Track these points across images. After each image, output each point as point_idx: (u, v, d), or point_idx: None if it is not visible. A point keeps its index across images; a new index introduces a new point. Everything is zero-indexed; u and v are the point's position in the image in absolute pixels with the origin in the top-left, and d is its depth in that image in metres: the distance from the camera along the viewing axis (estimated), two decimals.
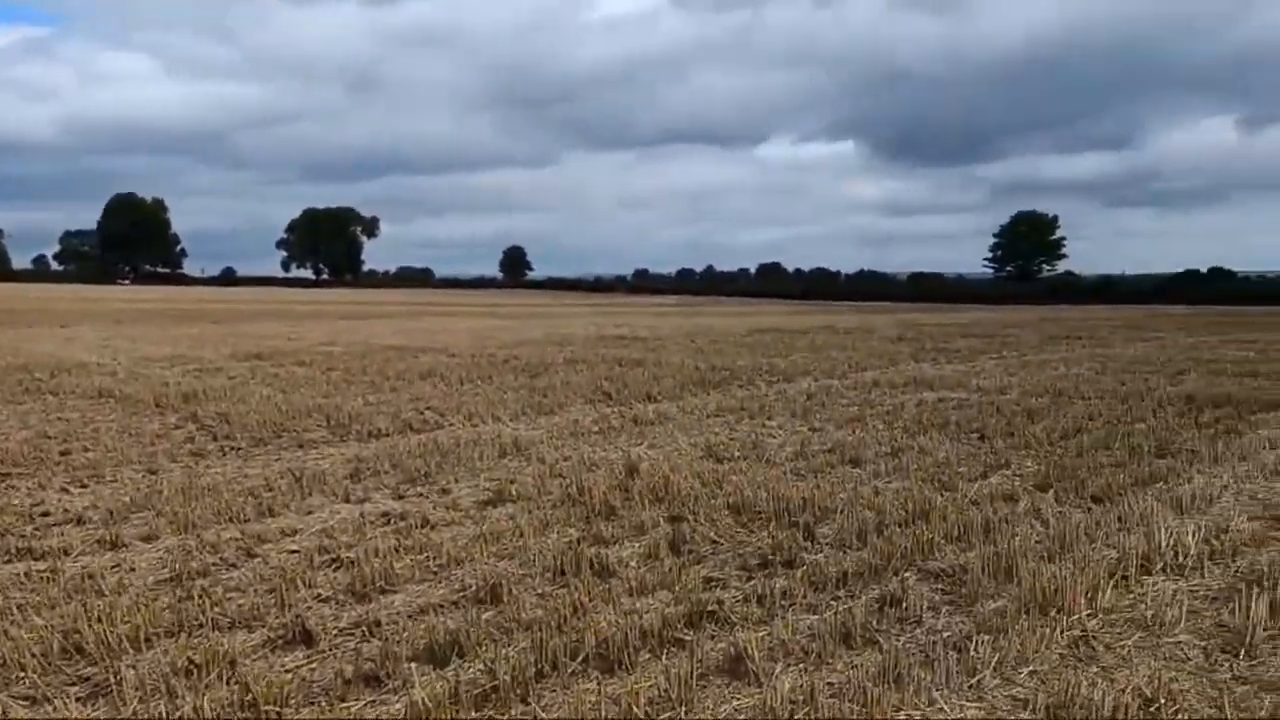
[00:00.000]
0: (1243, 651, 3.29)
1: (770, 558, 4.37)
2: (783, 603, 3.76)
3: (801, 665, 3.18)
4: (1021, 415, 8.75)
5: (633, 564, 4.31)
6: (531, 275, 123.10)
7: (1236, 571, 4.17)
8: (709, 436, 7.77)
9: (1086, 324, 27.35)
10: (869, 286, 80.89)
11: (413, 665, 3.18)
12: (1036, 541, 4.59)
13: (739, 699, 2.96)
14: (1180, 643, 3.42)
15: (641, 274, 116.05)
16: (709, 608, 3.66)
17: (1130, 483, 5.88)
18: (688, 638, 3.41)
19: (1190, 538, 4.50)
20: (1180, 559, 4.29)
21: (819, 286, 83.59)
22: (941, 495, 5.59)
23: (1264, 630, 3.42)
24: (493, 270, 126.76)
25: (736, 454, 6.98)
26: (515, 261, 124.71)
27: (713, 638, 3.43)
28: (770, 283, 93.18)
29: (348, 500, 5.61)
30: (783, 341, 20.12)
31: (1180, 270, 74.95)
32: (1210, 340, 20.02)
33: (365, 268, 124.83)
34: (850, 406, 9.57)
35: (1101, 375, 12.52)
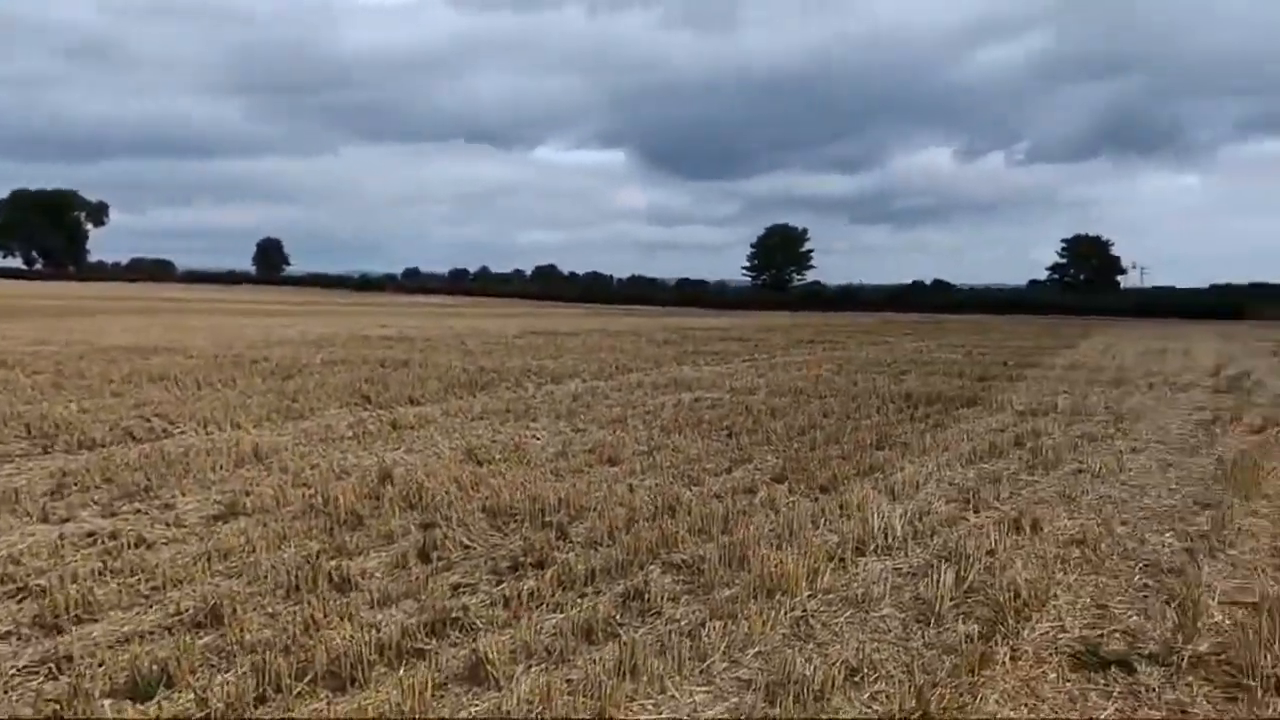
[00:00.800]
0: (932, 620, 3.72)
1: (522, 560, 4.36)
2: (530, 604, 3.76)
3: (543, 665, 3.20)
4: (766, 413, 9.40)
5: (377, 575, 4.13)
6: (291, 271, 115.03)
7: (934, 549, 4.71)
8: (471, 439, 7.64)
9: (829, 330, 29.94)
10: (640, 291, 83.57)
11: (107, 702, 2.84)
12: (770, 530, 4.93)
13: (476, 705, 2.92)
14: (884, 616, 3.80)
15: (413, 273, 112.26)
16: (453, 615, 3.59)
17: (853, 473, 6.50)
18: (429, 647, 3.31)
19: (898, 521, 5.04)
20: (889, 541, 4.78)
21: (594, 290, 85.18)
22: (690, 490, 5.86)
23: (950, 600, 3.89)
24: (246, 265, 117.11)
25: (498, 456, 6.92)
26: (271, 256, 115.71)
27: (455, 645, 3.36)
28: (546, 285, 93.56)
29: (45, 520, 4.92)
30: (554, 344, 20.26)
31: (910, 282, 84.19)
32: (930, 345, 22.63)
33: (92, 259, 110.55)
34: (614, 407, 9.80)
35: (837, 376, 13.75)
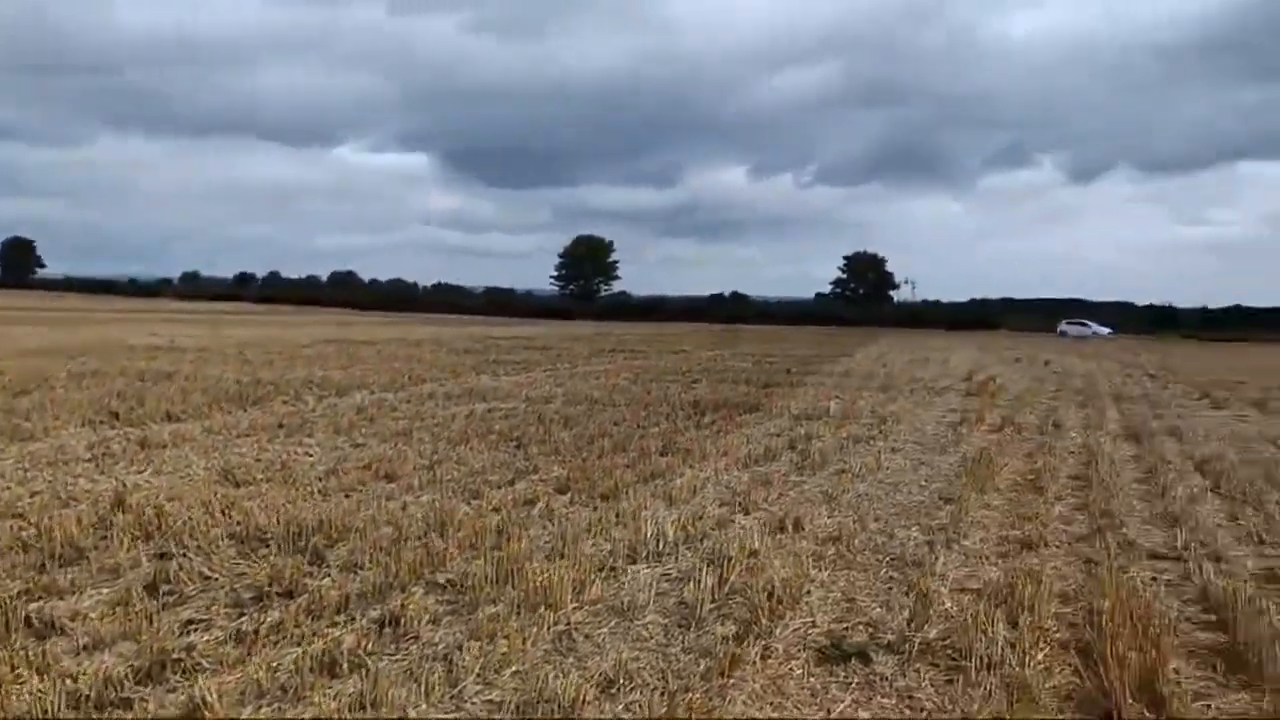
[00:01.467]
0: (693, 624, 3.78)
1: (268, 590, 4.01)
2: (269, 638, 3.44)
3: (274, 705, 2.92)
4: (559, 423, 9.36)
5: (92, 616, 3.64)
6: (45, 274, 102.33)
7: (702, 553, 4.81)
8: (231, 458, 7.02)
9: (632, 339, 30.54)
10: (447, 299, 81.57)
11: None
12: (545, 542, 4.86)
13: None
14: (648, 623, 3.82)
15: (191, 277, 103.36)
16: (175, 655, 3.21)
17: (636, 480, 6.57)
18: (139, 695, 2.94)
19: (671, 527, 5.12)
20: (661, 547, 4.84)
21: (396, 298, 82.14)
22: (468, 505, 5.68)
23: (711, 603, 3.98)
24: None
25: (259, 476, 6.39)
26: (18, 256, 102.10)
27: (172, 690, 3.00)
28: (344, 292, 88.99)
29: None
30: (347, 353, 19.27)
31: (711, 294, 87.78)
32: (724, 354, 23.60)
33: None
34: (401, 420, 9.39)
35: (634, 384, 13.99)
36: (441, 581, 4.18)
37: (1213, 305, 68.80)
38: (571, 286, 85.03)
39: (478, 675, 3.20)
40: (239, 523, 5.02)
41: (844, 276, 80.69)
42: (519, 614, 3.76)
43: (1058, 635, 3.70)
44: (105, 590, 3.95)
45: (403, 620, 3.66)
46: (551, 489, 6.26)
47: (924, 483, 6.97)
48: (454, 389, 12.54)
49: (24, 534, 4.66)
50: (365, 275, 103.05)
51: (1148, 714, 3.01)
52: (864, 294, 78.14)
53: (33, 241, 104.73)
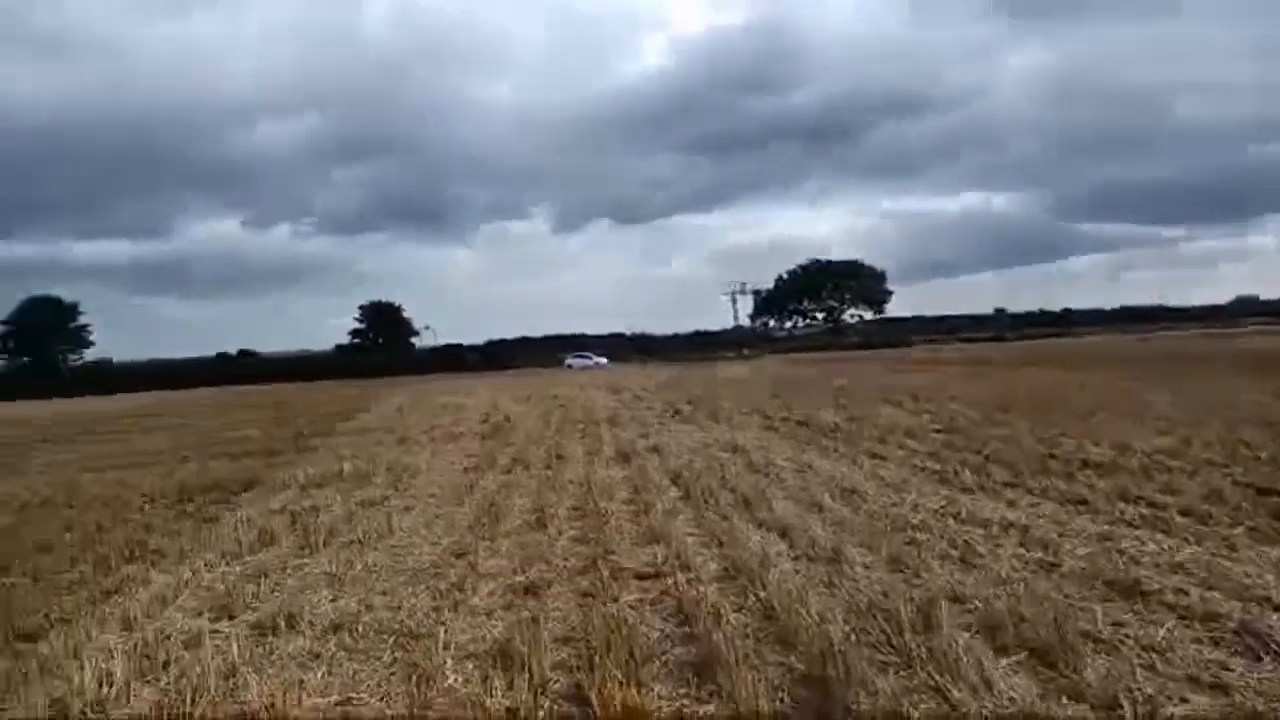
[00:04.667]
0: None
1: None
2: None
3: None
4: None
5: None
6: None
7: (165, 685, 3.94)
8: None
9: (108, 417, 25.91)
10: None
11: None
12: None
13: None
14: None
15: None
16: None
17: (82, 604, 5.27)
18: None
19: (122, 661, 4.12)
20: (106, 693, 3.85)
21: None
22: None
23: None
24: None
25: None
26: None
27: None
28: None
29: None
30: None
31: (215, 354, 79.13)
32: (228, 420, 21.16)
33: None
34: None
35: (103, 475, 11.65)
36: None
37: (681, 331, 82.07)
38: (25, 359, 69.89)
39: None
40: None
41: (362, 326, 79.04)
42: None
43: (557, 687, 3.69)
44: None
45: None
46: None
47: (437, 539, 6.77)
48: None
49: None
50: None
51: None
52: (384, 342, 77.37)
53: None
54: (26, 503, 9.52)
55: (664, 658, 3.97)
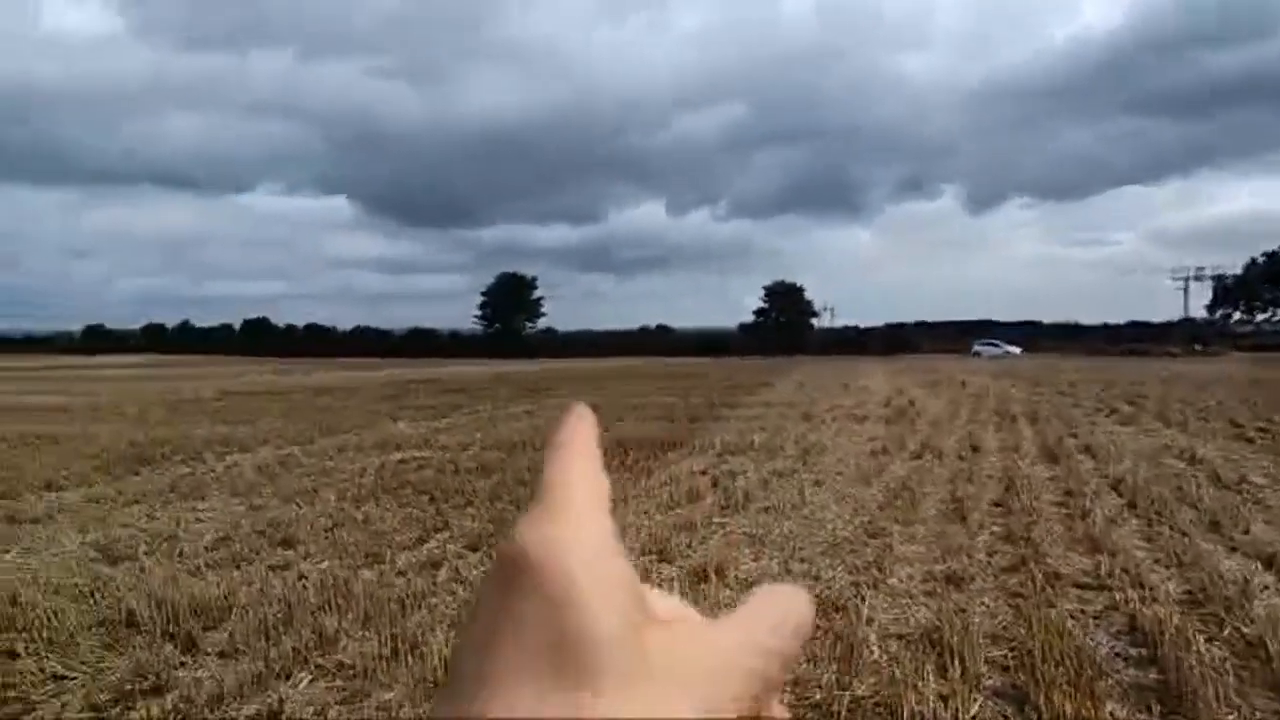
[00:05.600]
0: None
1: (132, 686, 3.56)
2: None
3: None
4: (476, 472, 8.97)
5: None
6: None
7: None
8: (113, 531, 6.45)
9: (556, 377, 30.18)
10: (365, 343, 79.76)
11: None
12: (448, 612, 4.50)
13: None
14: None
15: (94, 331, 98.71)
16: None
17: None
18: None
19: None
20: None
21: (314, 343, 79.92)
22: (370, 571, 5.28)
23: None
24: None
25: (142, 551, 5.85)
26: None
27: None
28: (258, 340, 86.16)
29: None
30: (255, 405, 18.44)
31: (637, 327, 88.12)
32: (649, 388, 23.44)
33: None
34: (305, 477, 8.87)
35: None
36: (332, 665, 3.80)
37: (1113, 321, 72.25)
38: (496, 325, 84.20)
39: None
40: (109, 608, 4.52)
41: (765, 305, 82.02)
42: (414, 700, 3.41)
43: (990, 683, 3.53)
44: None
45: (283, 715, 3.27)
46: (462, 547, 5.90)
47: (848, 517, 6.84)
48: (366, 439, 12.00)
49: None
50: (280, 321, 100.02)
51: None
52: (785, 322, 79.50)
53: None
54: (505, 444, 11.49)
55: (1116, 676, 3.58)
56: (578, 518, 0.31)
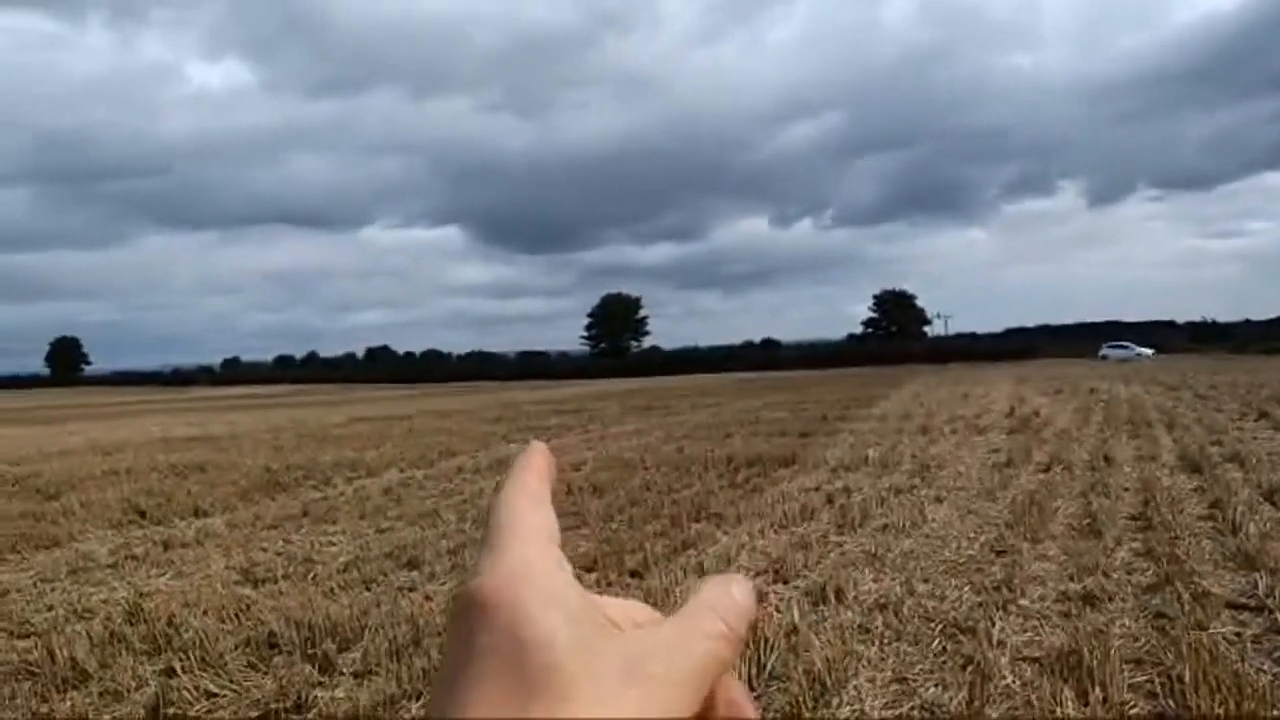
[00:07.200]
0: None
1: (274, 705, 3.77)
2: None
3: None
4: (589, 491, 9.09)
5: None
6: (92, 370, 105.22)
7: None
8: (254, 554, 6.85)
9: (663, 394, 30.28)
10: (479, 367, 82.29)
11: None
12: None
13: None
14: None
15: (231, 363, 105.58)
16: None
17: (667, 552, 6.26)
18: None
19: None
20: None
21: (430, 369, 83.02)
22: None
23: (751, 693, 3.65)
24: (39, 367, 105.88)
25: (280, 573, 6.19)
26: (66, 355, 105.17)
27: None
28: (380, 367, 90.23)
29: None
30: (379, 430, 19.24)
31: (741, 342, 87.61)
32: (757, 403, 23.23)
33: None
34: (428, 499, 9.20)
35: (665, 443, 13.69)
36: None
37: (1256, 318, 67.07)
38: (602, 345, 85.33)
39: None
40: (252, 628, 4.81)
41: (875, 315, 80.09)
42: None
43: (1135, 712, 3.32)
44: (105, 718, 3.74)
45: None
46: (578, 566, 5.98)
47: (972, 534, 6.58)
48: (482, 461, 12.35)
49: (30, 656, 4.48)
50: (400, 348, 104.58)
51: None
52: (896, 331, 77.37)
53: (78, 339, 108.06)
54: (617, 462, 11.61)
55: None
56: (523, 553, 0.33)
